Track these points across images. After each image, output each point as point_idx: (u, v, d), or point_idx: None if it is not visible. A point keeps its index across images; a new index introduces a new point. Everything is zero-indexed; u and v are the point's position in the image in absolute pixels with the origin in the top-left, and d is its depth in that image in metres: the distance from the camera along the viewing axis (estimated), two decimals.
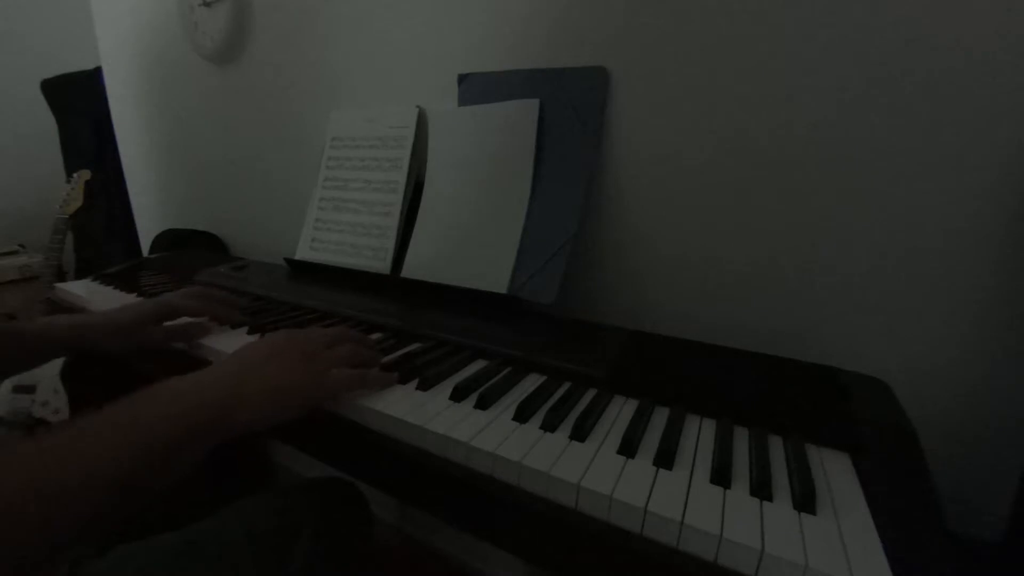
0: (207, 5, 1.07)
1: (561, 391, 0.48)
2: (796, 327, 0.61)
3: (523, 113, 0.69)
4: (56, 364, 0.94)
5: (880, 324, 0.56)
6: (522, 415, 0.43)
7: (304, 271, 0.88)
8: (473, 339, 0.57)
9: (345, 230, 0.85)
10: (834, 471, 0.38)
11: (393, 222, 0.80)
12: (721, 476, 0.36)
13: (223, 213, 1.26)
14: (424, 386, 0.48)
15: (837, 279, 0.58)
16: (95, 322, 0.56)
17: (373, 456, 0.44)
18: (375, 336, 0.61)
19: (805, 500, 0.33)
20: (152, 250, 1.30)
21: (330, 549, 0.49)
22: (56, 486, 0.28)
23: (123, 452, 0.31)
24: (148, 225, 1.49)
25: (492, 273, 0.68)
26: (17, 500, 0.27)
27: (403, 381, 0.49)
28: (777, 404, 0.45)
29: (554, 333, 0.60)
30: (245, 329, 0.60)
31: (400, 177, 0.80)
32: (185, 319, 0.60)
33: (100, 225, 1.58)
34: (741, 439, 0.42)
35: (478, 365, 0.54)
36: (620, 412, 0.45)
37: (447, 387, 0.47)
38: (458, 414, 0.43)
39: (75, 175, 1.43)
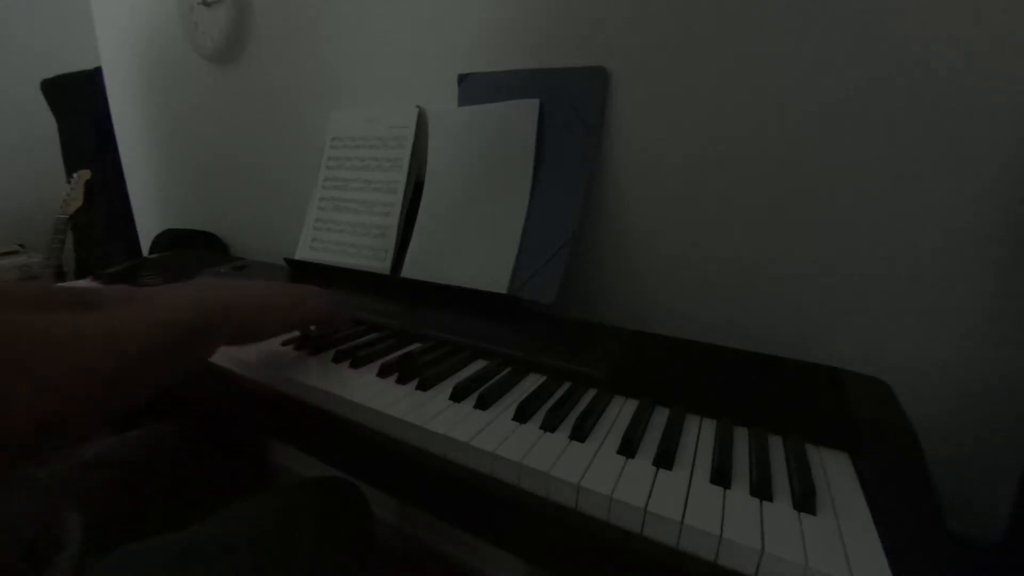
0: (207, 5, 1.07)
1: (561, 391, 0.48)
2: (796, 327, 0.61)
3: (523, 113, 0.69)
4: None
5: (880, 324, 0.57)
6: (522, 415, 0.43)
7: (304, 271, 0.88)
8: (473, 339, 0.57)
9: (345, 230, 0.85)
10: (834, 471, 0.38)
11: (393, 222, 0.80)
12: (721, 476, 0.36)
13: (223, 213, 1.26)
14: (424, 386, 0.48)
15: (837, 279, 0.58)
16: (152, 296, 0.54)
17: (373, 456, 0.45)
18: (374, 335, 0.61)
19: (805, 500, 0.33)
20: (152, 250, 1.30)
21: (331, 549, 0.49)
22: (50, 370, 0.28)
23: (153, 327, 0.34)
24: (148, 225, 1.49)
25: (492, 273, 0.68)
26: (5, 379, 0.26)
27: (403, 381, 0.49)
28: (777, 404, 0.45)
29: (554, 333, 0.60)
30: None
31: (400, 177, 0.80)
32: None
33: (100, 225, 1.58)
34: (741, 439, 0.42)
35: (478, 365, 0.54)
36: (620, 412, 0.45)
37: (447, 387, 0.47)
38: (458, 414, 0.43)
39: (75, 175, 1.44)
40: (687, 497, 0.34)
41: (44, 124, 1.75)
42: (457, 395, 0.46)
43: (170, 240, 1.25)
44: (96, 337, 0.31)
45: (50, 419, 0.27)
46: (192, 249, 1.19)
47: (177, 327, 0.37)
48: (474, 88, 0.76)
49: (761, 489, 0.35)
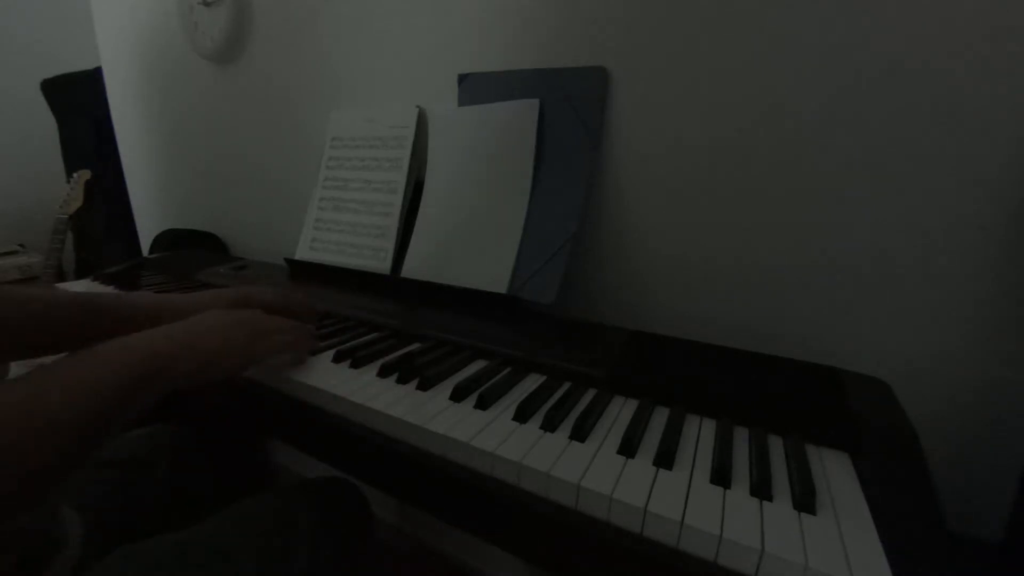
0: (207, 5, 1.07)
1: (561, 391, 0.48)
2: (796, 327, 0.61)
3: (523, 113, 0.69)
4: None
5: (880, 324, 0.57)
6: (522, 415, 0.43)
7: (304, 271, 0.88)
8: (473, 339, 0.57)
9: (345, 230, 0.85)
10: (834, 471, 0.38)
11: (393, 222, 0.80)
12: (721, 476, 0.36)
13: (223, 213, 1.26)
14: (424, 386, 0.48)
15: (837, 279, 0.58)
16: (174, 308, 0.53)
17: (373, 456, 0.45)
18: (374, 335, 0.61)
19: (805, 500, 0.33)
20: (152, 250, 1.30)
21: (332, 549, 0.49)
22: (13, 433, 0.29)
23: (80, 397, 0.33)
24: (148, 225, 1.49)
25: (492, 273, 0.68)
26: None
27: (403, 381, 0.49)
28: (777, 404, 0.45)
29: (554, 333, 0.60)
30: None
31: (400, 177, 0.80)
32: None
33: (100, 225, 1.58)
34: (741, 439, 0.42)
35: (478, 365, 0.54)
36: (620, 412, 0.45)
37: (447, 387, 0.47)
38: (458, 414, 0.43)
39: (75, 175, 1.44)
40: (687, 497, 0.34)
41: (44, 124, 1.75)
42: (457, 395, 0.46)
43: (170, 240, 1.25)
44: (54, 391, 0.32)
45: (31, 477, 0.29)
46: (192, 249, 1.19)
47: (130, 375, 0.37)
48: (474, 88, 0.76)
49: (761, 489, 0.35)
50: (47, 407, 0.32)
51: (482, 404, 0.44)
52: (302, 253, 0.90)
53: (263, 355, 0.49)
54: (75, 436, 0.32)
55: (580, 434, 0.40)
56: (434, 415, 0.43)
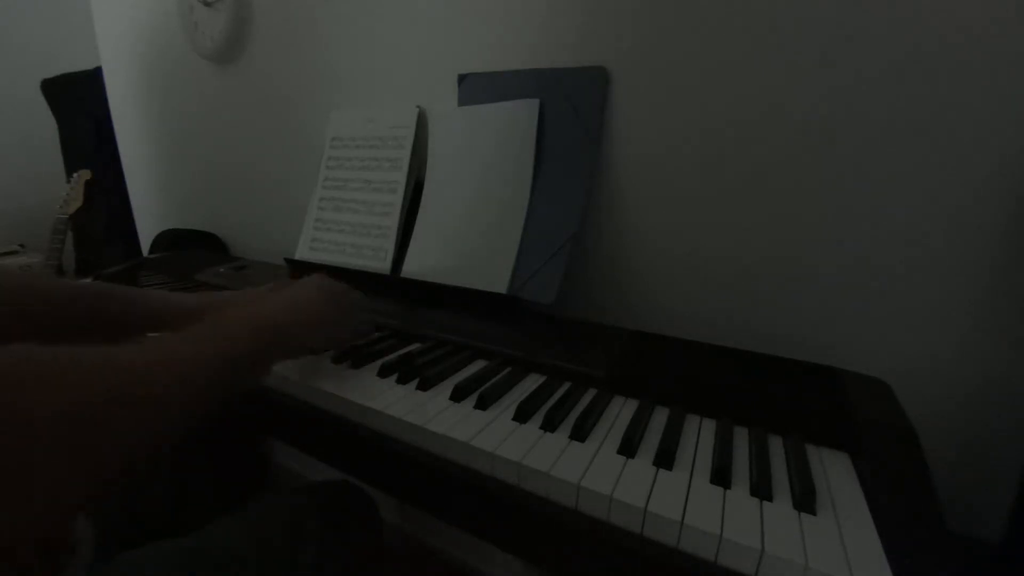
0: (207, 5, 1.07)
1: (561, 391, 0.48)
2: (796, 327, 0.61)
3: (523, 113, 0.69)
4: None
5: (880, 324, 0.56)
6: (522, 415, 0.43)
7: (304, 271, 0.88)
8: (473, 339, 0.57)
9: (345, 230, 0.85)
10: (834, 471, 0.38)
11: (393, 222, 0.80)
12: (721, 476, 0.36)
13: (223, 213, 1.26)
14: (424, 386, 0.48)
15: (837, 279, 0.58)
16: (179, 307, 0.53)
17: (373, 456, 0.45)
18: (374, 335, 0.61)
19: (805, 500, 0.33)
20: (152, 250, 1.30)
21: (340, 554, 0.49)
22: (146, 393, 0.29)
23: (214, 359, 0.35)
24: (148, 225, 1.49)
25: (492, 273, 0.68)
26: (102, 408, 0.27)
27: (403, 381, 0.49)
28: (777, 404, 0.45)
29: (554, 333, 0.60)
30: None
31: (400, 177, 0.80)
32: None
33: (100, 225, 1.58)
34: (741, 439, 0.42)
35: (478, 365, 0.54)
36: (620, 412, 0.45)
37: (447, 387, 0.47)
38: (458, 414, 0.43)
39: (75, 175, 1.44)
40: (687, 497, 0.34)
41: (44, 124, 1.75)
42: (457, 395, 0.46)
43: (170, 240, 1.25)
44: (164, 372, 0.32)
45: (123, 451, 0.28)
46: (192, 249, 1.19)
47: (235, 354, 0.38)
48: (474, 88, 0.76)
49: (761, 489, 0.35)
50: (195, 365, 0.33)
51: (482, 404, 0.44)
52: (302, 253, 0.89)
53: (347, 337, 0.53)
54: (215, 393, 0.34)
55: (580, 434, 0.40)
56: (434, 415, 0.43)
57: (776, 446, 0.41)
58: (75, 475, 0.25)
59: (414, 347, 0.58)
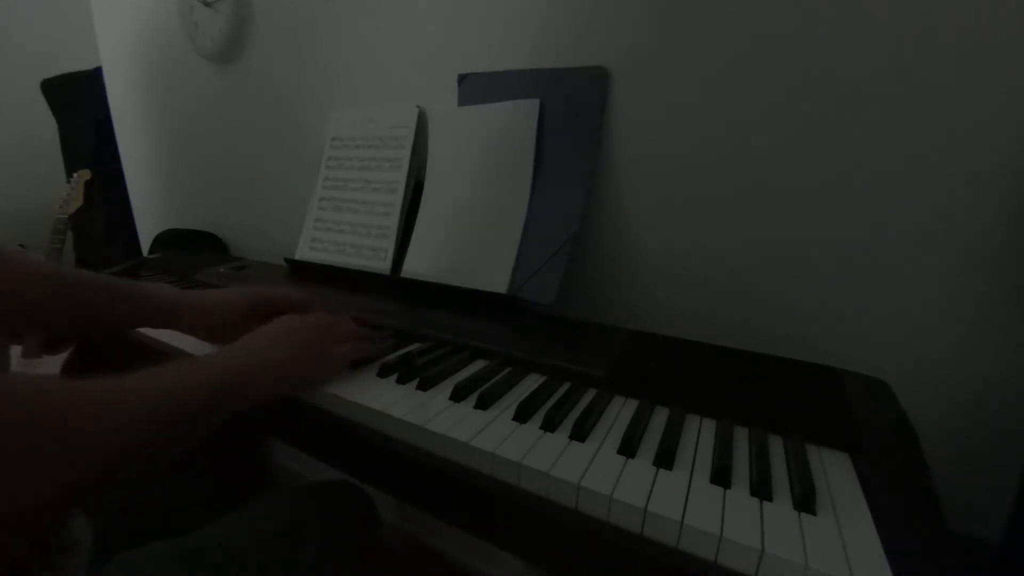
0: (207, 5, 1.07)
1: (561, 391, 0.48)
2: (796, 327, 0.61)
3: (523, 113, 0.69)
4: (60, 358, 0.94)
5: (880, 324, 0.56)
6: (522, 415, 0.43)
7: (304, 271, 0.88)
8: (473, 339, 0.57)
9: (345, 230, 0.85)
10: (834, 471, 0.38)
11: (393, 222, 0.80)
12: (721, 476, 0.36)
13: (223, 213, 1.26)
14: (424, 386, 0.48)
15: (837, 279, 0.58)
16: (190, 304, 0.54)
17: (374, 456, 0.44)
18: (374, 336, 0.61)
19: (805, 500, 0.33)
20: (152, 250, 1.30)
21: (339, 553, 0.49)
22: (124, 417, 0.32)
23: (188, 391, 0.36)
24: (148, 225, 1.49)
25: (492, 273, 0.68)
26: (98, 428, 0.30)
27: (403, 381, 0.49)
28: (777, 404, 0.45)
29: (554, 333, 0.60)
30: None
31: (400, 177, 0.80)
32: None
33: (100, 225, 1.58)
34: (741, 439, 0.42)
35: (478, 365, 0.54)
36: (620, 412, 0.45)
37: (447, 387, 0.47)
38: (458, 414, 0.43)
39: (75, 175, 1.44)
40: (687, 497, 0.34)
41: (44, 124, 1.75)
42: (457, 395, 0.46)
43: (170, 240, 1.25)
44: (133, 403, 0.33)
45: (85, 482, 0.30)
46: (192, 249, 1.19)
47: (210, 393, 0.38)
48: (474, 88, 0.76)
49: (761, 489, 0.35)
50: (132, 409, 0.33)
51: (482, 404, 0.44)
52: (302, 253, 0.89)
53: (337, 366, 0.50)
54: (153, 440, 0.34)
55: (580, 434, 0.40)
56: (434, 415, 0.43)
57: (776, 446, 0.41)
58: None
59: (414, 347, 0.58)
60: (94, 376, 0.34)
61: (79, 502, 0.31)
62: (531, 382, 0.51)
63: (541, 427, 0.41)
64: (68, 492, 0.29)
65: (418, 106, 0.81)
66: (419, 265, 0.76)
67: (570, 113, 0.68)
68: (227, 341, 0.49)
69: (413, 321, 0.63)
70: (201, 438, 0.39)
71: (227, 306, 0.55)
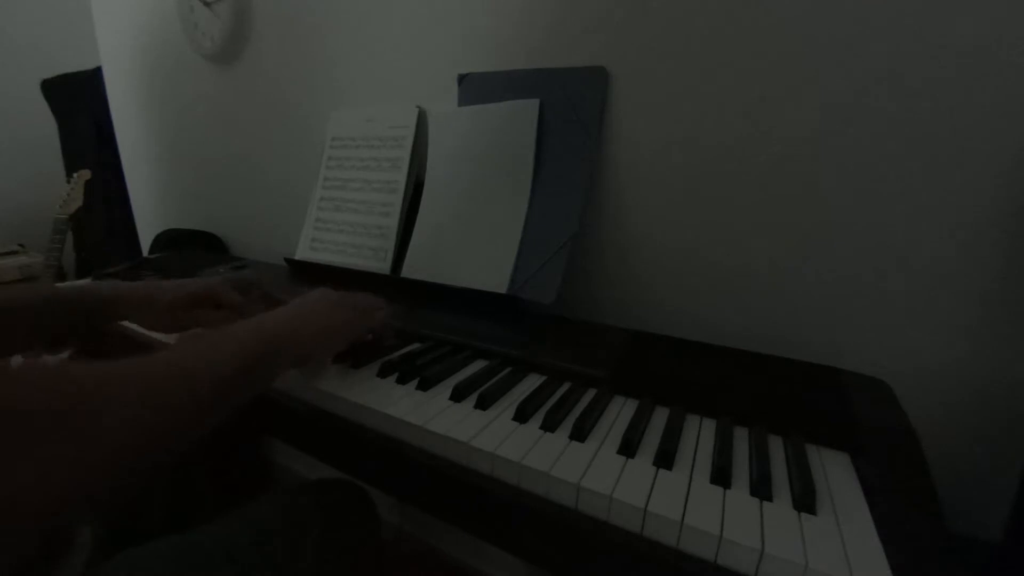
0: (207, 5, 1.07)
1: (561, 391, 0.48)
2: (796, 327, 0.61)
3: (523, 113, 0.69)
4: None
5: (880, 324, 0.56)
6: (522, 415, 0.43)
7: (304, 271, 0.88)
8: (473, 339, 0.57)
9: (345, 230, 0.85)
10: (834, 471, 0.38)
11: (393, 222, 0.80)
12: (721, 476, 0.36)
13: (223, 213, 1.26)
14: (424, 386, 0.48)
15: (837, 279, 0.58)
16: (130, 295, 0.55)
17: (373, 456, 0.45)
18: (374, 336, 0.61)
19: (805, 500, 0.33)
20: (152, 250, 1.30)
21: (336, 552, 0.49)
22: (169, 396, 0.32)
23: (224, 361, 0.36)
24: (148, 225, 1.49)
25: (492, 273, 0.68)
26: (136, 411, 0.29)
27: (403, 381, 0.49)
28: (777, 404, 0.45)
29: (554, 333, 0.60)
30: None
31: (400, 177, 0.80)
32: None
33: (100, 225, 1.58)
34: (741, 439, 0.42)
35: (478, 365, 0.54)
36: (620, 412, 0.45)
37: (447, 387, 0.47)
38: (458, 414, 0.43)
39: (75, 175, 1.43)
40: (687, 497, 0.34)
41: (44, 124, 1.75)
42: (457, 395, 0.46)
43: (170, 240, 1.25)
44: (171, 377, 0.33)
45: (129, 455, 0.29)
46: (192, 249, 1.19)
47: (246, 361, 0.38)
48: (474, 88, 0.76)
49: (761, 489, 0.35)
50: (166, 387, 0.33)
51: (482, 404, 0.44)
52: (302, 253, 0.90)
53: (365, 331, 0.52)
54: (207, 406, 0.34)
55: (580, 434, 0.40)
56: (434, 415, 0.43)
57: (776, 446, 0.41)
58: (70, 467, 0.26)
59: (414, 347, 0.58)
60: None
61: (117, 489, 0.31)
62: (531, 382, 0.51)
63: (541, 427, 0.41)
64: (104, 479, 0.28)
65: (418, 106, 0.81)
66: (419, 265, 0.76)
67: (570, 113, 0.68)
68: (172, 331, 0.53)
69: (413, 321, 0.63)
70: (237, 408, 0.38)
71: (174, 300, 0.56)
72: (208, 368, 0.35)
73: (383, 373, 0.50)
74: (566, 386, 0.49)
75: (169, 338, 0.58)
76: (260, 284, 0.63)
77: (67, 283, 0.55)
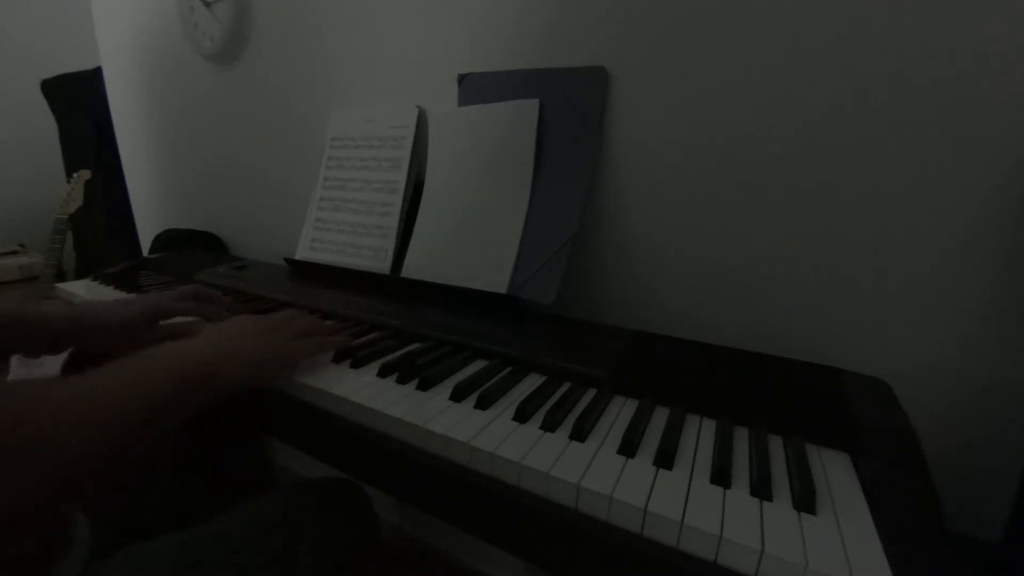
0: (207, 5, 1.07)
1: (561, 391, 0.48)
2: (796, 327, 0.61)
3: (523, 113, 0.69)
4: (60, 358, 0.94)
5: (880, 324, 0.56)
6: (522, 415, 0.43)
7: (304, 271, 0.88)
8: (473, 339, 0.57)
9: (345, 230, 0.85)
10: (834, 471, 0.38)
11: (393, 222, 0.80)
12: (721, 476, 0.36)
13: (223, 213, 1.26)
14: (424, 386, 0.48)
15: (837, 279, 0.58)
16: (87, 322, 0.54)
17: (373, 456, 0.44)
18: (374, 335, 0.61)
19: (805, 500, 0.33)
20: (152, 250, 1.30)
21: (334, 550, 0.49)
22: (93, 419, 0.32)
23: (140, 394, 0.36)
24: (148, 225, 1.49)
25: (492, 273, 0.68)
26: (59, 432, 0.30)
27: (403, 381, 0.49)
28: (777, 404, 0.45)
29: (554, 333, 0.60)
30: None
31: (400, 177, 0.80)
32: (179, 319, 0.60)
33: (100, 225, 1.58)
34: (741, 439, 0.42)
35: (478, 365, 0.54)
36: (620, 412, 0.45)
37: (447, 387, 0.47)
38: (458, 414, 0.43)
39: (75, 175, 1.43)
40: (687, 497, 0.34)
41: (44, 124, 1.75)
42: (457, 395, 0.46)
43: (170, 240, 1.25)
44: (99, 399, 0.33)
45: (55, 484, 0.30)
46: (192, 249, 1.19)
47: (183, 380, 0.39)
48: (474, 88, 0.76)
49: (761, 489, 0.35)
50: (107, 403, 0.34)
51: (482, 404, 0.44)
52: (302, 253, 0.90)
53: (299, 357, 0.51)
54: (128, 434, 0.34)
55: (580, 434, 0.40)
56: (434, 415, 0.43)
57: (776, 446, 0.41)
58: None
59: (414, 347, 0.58)
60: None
61: (61, 502, 0.31)
62: (531, 382, 0.51)
63: (541, 427, 0.41)
64: (42, 495, 0.29)
65: (418, 106, 0.81)
66: (419, 265, 0.76)
67: (570, 113, 0.68)
68: (126, 353, 0.48)
69: (413, 321, 0.63)
70: (169, 430, 0.38)
71: (124, 319, 0.55)
72: (136, 391, 0.35)
73: (383, 373, 0.50)
74: (566, 386, 0.49)
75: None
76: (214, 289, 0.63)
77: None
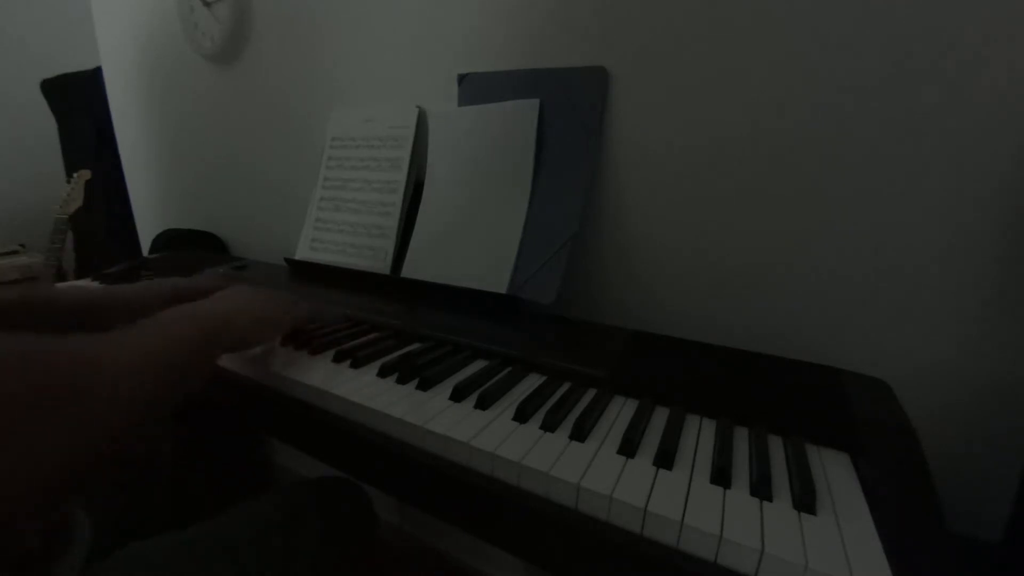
0: (207, 5, 1.07)
1: (561, 391, 0.48)
2: (797, 327, 0.61)
3: (523, 113, 0.69)
4: None
5: (880, 324, 0.56)
6: (522, 415, 0.43)
7: (304, 271, 0.88)
8: (473, 339, 0.57)
9: (345, 230, 0.85)
10: (834, 471, 0.38)
11: (393, 222, 0.80)
12: (721, 476, 0.36)
13: (223, 213, 1.26)
14: (424, 386, 0.48)
15: (838, 279, 0.58)
16: (104, 303, 0.54)
17: (373, 456, 0.44)
18: (374, 335, 0.61)
19: (805, 500, 0.33)
20: (152, 250, 1.30)
21: (334, 549, 0.49)
22: (124, 366, 0.32)
23: (170, 345, 0.37)
24: (148, 225, 1.49)
25: (492, 273, 0.68)
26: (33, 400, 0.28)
27: (403, 381, 0.49)
28: (777, 404, 0.45)
29: (554, 333, 0.60)
30: None
31: (400, 177, 0.80)
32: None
33: (100, 225, 1.58)
34: (741, 439, 0.42)
35: (478, 365, 0.54)
36: (620, 412, 0.45)
37: (447, 387, 0.47)
38: (458, 414, 0.43)
39: (75, 175, 1.44)
40: (687, 497, 0.34)
41: (44, 124, 1.75)
42: (457, 395, 0.46)
43: (170, 240, 1.25)
44: (108, 366, 0.32)
45: (94, 446, 0.29)
46: (192, 249, 1.19)
47: (201, 334, 0.40)
48: (474, 88, 0.76)
49: (761, 489, 0.34)
50: (139, 359, 0.34)
51: (482, 404, 0.44)
52: (302, 253, 0.90)
53: (298, 319, 0.55)
54: (149, 392, 0.34)
55: (580, 434, 0.40)
56: (434, 415, 0.43)
57: (776, 446, 0.41)
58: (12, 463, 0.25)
59: (414, 347, 0.58)
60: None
61: (89, 472, 0.30)
62: (531, 382, 0.51)
63: (541, 427, 0.41)
64: (81, 458, 0.28)
65: (418, 106, 0.81)
66: (419, 265, 0.76)
67: (570, 113, 0.68)
68: None
69: (413, 321, 0.63)
70: (192, 390, 0.39)
71: (147, 303, 0.55)
72: (145, 358, 0.35)
73: (383, 373, 0.50)
74: (566, 386, 0.49)
75: None
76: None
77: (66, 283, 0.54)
